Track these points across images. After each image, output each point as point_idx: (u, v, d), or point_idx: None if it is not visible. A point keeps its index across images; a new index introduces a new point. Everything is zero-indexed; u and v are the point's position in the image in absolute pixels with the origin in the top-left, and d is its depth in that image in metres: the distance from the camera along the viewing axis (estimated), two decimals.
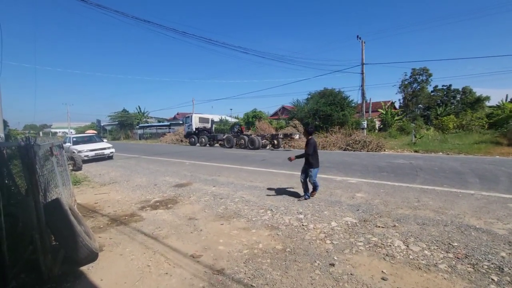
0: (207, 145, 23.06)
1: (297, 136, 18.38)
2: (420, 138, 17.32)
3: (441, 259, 2.86)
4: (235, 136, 20.13)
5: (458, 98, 33.54)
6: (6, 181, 3.11)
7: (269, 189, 6.23)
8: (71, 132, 42.64)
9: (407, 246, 3.18)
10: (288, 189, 6.14)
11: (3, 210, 2.26)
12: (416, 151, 13.94)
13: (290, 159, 5.53)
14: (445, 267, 2.69)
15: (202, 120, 25.92)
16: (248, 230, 3.83)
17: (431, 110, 31.71)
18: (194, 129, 24.85)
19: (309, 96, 28.19)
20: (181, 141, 28.64)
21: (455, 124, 23.03)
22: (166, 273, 2.73)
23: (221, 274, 2.68)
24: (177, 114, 54.26)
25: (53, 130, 70.33)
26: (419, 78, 32.30)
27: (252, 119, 30.54)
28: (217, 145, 22.67)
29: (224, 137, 21.29)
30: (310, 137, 5.34)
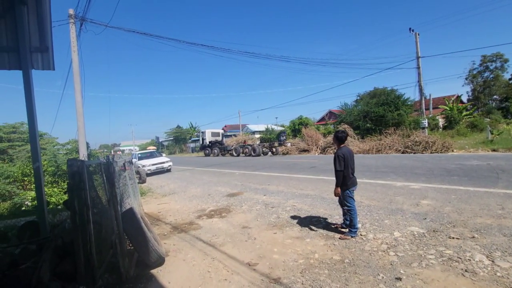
0: (219, 155, 26.67)
1: (289, 144, 21.34)
2: (498, 135, 14.80)
3: None
4: (241, 146, 24.15)
5: None
6: (91, 193, 3.69)
7: (321, 197, 6.03)
8: (136, 149, 48.22)
9: (492, 261, 2.73)
10: None
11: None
12: (494, 150, 11.96)
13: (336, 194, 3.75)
14: None
15: (214, 134, 29.70)
16: (302, 239, 3.76)
17: (510, 101, 27.01)
18: (208, 143, 28.44)
19: (358, 98, 26.82)
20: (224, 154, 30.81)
21: None
22: (225, 280, 2.84)
23: (278, 283, 2.68)
24: (225, 126, 56.84)
25: (121, 148, 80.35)
26: (491, 65, 28.06)
27: (298, 126, 30.20)
28: (227, 154, 25.90)
29: (232, 147, 25.22)
30: (342, 145, 3.76)
